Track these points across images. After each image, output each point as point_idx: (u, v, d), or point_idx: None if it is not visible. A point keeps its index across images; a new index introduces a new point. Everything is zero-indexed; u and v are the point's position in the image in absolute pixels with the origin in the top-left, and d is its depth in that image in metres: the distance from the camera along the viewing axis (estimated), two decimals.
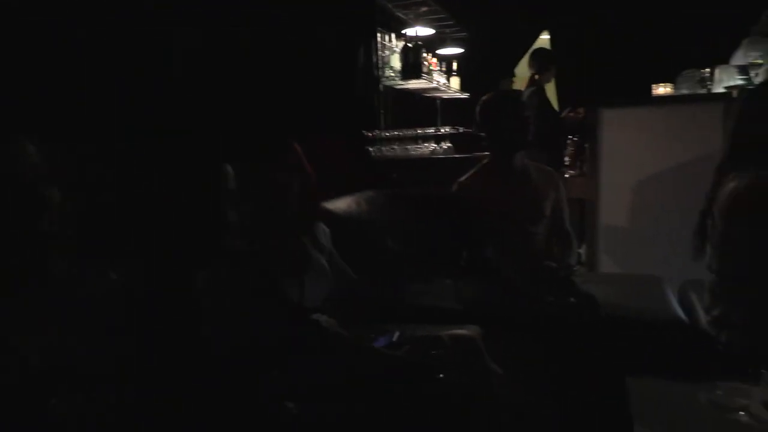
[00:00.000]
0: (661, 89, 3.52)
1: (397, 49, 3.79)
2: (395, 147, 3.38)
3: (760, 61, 3.24)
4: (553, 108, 4.58)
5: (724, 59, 3.57)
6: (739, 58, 3.52)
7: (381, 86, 3.62)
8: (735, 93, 3.12)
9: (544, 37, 5.80)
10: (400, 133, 3.36)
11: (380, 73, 3.58)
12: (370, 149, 3.32)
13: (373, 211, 2.60)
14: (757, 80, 3.20)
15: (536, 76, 4.47)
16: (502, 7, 4.99)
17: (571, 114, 4.28)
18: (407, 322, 1.91)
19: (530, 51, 4.78)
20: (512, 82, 5.32)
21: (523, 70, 5.29)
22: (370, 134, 3.33)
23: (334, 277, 1.89)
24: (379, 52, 3.58)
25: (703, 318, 2.09)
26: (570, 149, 3.99)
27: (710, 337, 1.99)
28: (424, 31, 4.25)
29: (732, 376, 1.51)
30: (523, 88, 4.53)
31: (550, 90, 4.81)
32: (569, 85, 4.94)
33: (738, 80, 3.27)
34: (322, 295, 1.82)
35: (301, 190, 1.79)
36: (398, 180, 3.08)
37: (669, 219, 2.94)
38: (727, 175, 1.95)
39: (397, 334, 1.78)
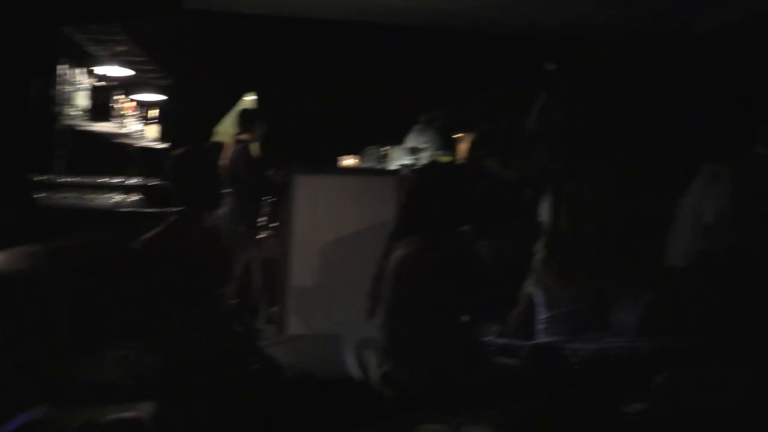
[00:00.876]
0: (349, 160, 3.88)
1: (85, 87, 3.42)
2: (72, 195, 2.98)
3: (425, 146, 3.84)
4: (258, 168, 4.63)
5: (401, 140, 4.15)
6: (410, 141, 4.12)
7: (59, 125, 3.19)
8: (405, 171, 3.60)
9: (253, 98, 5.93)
10: (80, 180, 2.98)
11: (59, 110, 3.16)
12: (39, 195, 2.87)
13: (35, 267, 2.25)
14: (422, 162, 3.76)
15: (243, 135, 4.48)
16: (209, 59, 4.96)
17: (274, 175, 4.39)
18: (70, 399, 1.64)
19: (238, 109, 4.81)
20: (215, 137, 5.26)
21: (227, 127, 5.29)
22: (40, 178, 2.88)
23: None
24: (60, 88, 3.17)
25: (375, 374, 2.26)
26: (266, 210, 4.07)
27: (381, 393, 2.15)
28: (120, 71, 3.94)
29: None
30: (226, 144, 4.50)
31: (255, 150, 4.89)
32: (270, 147, 5.10)
33: (408, 160, 3.80)
34: None
35: None
36: (71, 233, 2.70)
37: (352, 280, 3.17)
38: (396, 243, 2.18)
39: (33, 413, 1.50)
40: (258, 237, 3.62)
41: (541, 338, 2.48)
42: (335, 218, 3.35)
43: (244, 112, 4.67)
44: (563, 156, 2.64)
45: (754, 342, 1.98)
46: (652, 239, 2.47)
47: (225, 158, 4.09)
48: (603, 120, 2.71)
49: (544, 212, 2.64)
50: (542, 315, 2.59)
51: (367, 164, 3.90)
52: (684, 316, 2.19)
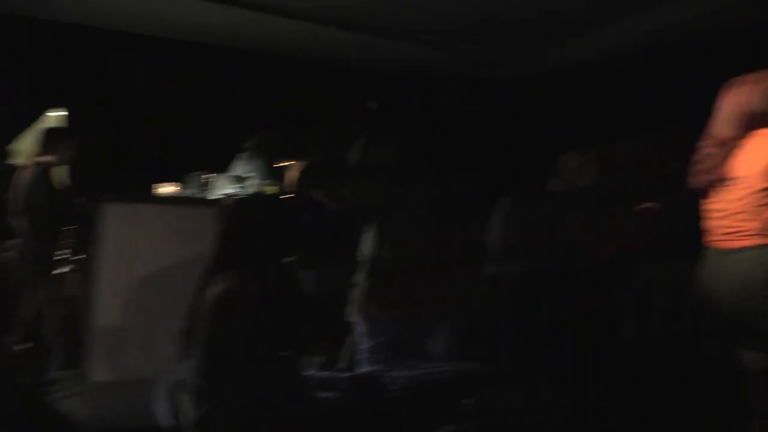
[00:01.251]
0: (168, 188, 3.65)
1: None
2: None
3: (251, 175, 3.76)
4: (61, 195, 4.17)
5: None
6: (235, 170, 4.00)
7: None
8: (228, 200, 3.48)
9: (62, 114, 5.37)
10: None
11: None
12: None
13: None
14: (247, 191, 3.67)
15: (45, 157, 4.01)
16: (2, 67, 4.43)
17: (79, 204, 3.98)
18: None
19: (40, 127, 4.31)
20: (8, 158, 4.67)
21: (26, 146, 4.73)
22: None
23: None
24: None
25: (190, 420, 2.11)
26: (69, 242, 3.66)
27: None
28: None
29: None
30: (22, 167, 3.99)
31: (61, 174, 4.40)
32: (77, 172, 4.65)
33: (232, 189, 3.68)
34: None
35: None
36: None
37: (165, 319, 2.95)
38: (214, 276, 2.08)
39: None
40: (57, 273, 3.24)
41: (362, 368, 2.52)
42: (147, 251, 3.11)
43: (49, 132, 4.21)
44: (385, 188, 2.74)
45: (548, 362, 2.20)
46: (467, 268, 2.66)
47: (20, 183, 3.63)
48: (422, 155, 2.87)
49: (367, 243, 2.71)
50: (363, 345, 2.64)
51: (188, 192, 3.70)
52: (485, 339, 2.37)
